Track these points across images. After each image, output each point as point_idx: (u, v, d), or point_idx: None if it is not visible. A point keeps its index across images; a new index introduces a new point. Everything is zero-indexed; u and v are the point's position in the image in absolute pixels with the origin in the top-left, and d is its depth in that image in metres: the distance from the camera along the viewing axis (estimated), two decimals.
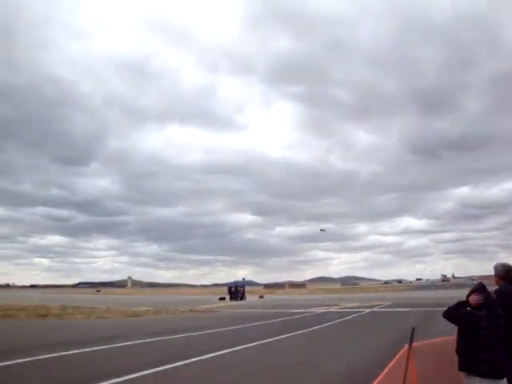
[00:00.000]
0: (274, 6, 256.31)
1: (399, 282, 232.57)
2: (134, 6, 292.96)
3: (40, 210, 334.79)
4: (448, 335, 4.95)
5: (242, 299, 60.33)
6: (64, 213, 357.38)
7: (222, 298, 60.10)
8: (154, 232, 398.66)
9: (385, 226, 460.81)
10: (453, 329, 4.28)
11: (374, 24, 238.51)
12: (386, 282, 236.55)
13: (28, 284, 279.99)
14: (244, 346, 12.41)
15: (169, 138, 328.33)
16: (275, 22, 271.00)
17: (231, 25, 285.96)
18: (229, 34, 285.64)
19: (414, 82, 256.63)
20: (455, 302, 4.24)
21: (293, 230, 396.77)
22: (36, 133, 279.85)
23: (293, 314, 27.55)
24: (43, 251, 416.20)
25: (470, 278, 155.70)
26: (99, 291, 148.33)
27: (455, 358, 4.13)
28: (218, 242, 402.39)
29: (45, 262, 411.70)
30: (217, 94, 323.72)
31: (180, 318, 25.67)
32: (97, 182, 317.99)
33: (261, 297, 71.14)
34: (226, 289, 71.10)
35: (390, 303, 37.46)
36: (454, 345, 4.19)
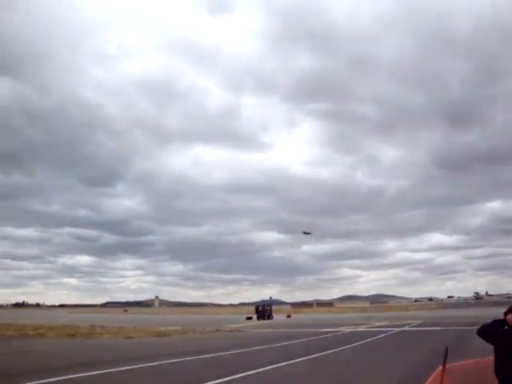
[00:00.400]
0: (296, 24, 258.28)
1: (430, 299, 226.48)
2: (158, 28, 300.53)
3: (68, 230, 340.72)
4: (484, 356, 4.72)
5: (269, 318, 59.65)
6: (92, 233, 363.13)
7: (249, 318, 59.51)
8: (180, 251, 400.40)
9: (413, 242, 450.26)
10: (489, 349, 4.08)
11: (397, 39, 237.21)
12: (416, 300, 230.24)
13: (57, 303, 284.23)
14: (271, 367, 12.21)
15: (194, 158, 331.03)
16: (297, 39, 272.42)
17: (254, 44, 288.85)
18: (252, 53, 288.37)
19: (440, 96, 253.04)
20: (490, 320, 4.05)
21: (320, 247, 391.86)
22: (64, 155, 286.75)
23: (320, 333, 27.06)
24: (71, 271, 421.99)
25: (507, 296, 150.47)
26: (126, 311, 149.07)
27: (492, 379, 3.92)
28: (244, 260, 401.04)
29: (73, 281, 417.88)
30: (241, 113, 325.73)
31: (207, 338, 25.53)
32: (123, 203, 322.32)
33: (288, 316, 70.19)
34: (253, 308, 70.51)
35: (420, 322, 36.45)
36: (491, 365, 3.98)
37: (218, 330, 31.74)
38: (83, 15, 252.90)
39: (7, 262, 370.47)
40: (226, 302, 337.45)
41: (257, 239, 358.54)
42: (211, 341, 23.59)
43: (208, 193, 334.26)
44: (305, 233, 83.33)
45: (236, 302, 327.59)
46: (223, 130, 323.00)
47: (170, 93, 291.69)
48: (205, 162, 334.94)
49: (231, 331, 31.96)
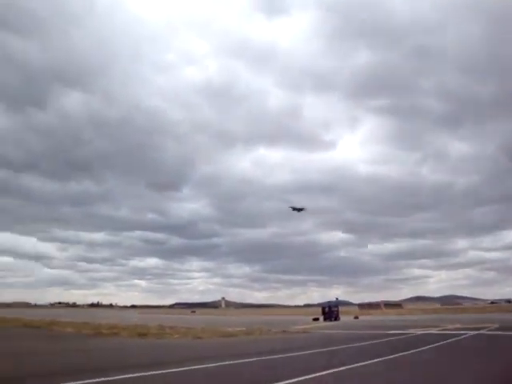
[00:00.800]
0: (354, 19, 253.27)
1: (508, 301, 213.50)
2: (215, 33, 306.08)
3: (137, 234, 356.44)
4: None
5: (336, 320, 58.84)
6: (159, 236, 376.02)
7: (316, 319, 59.05)
8: (246, 253, 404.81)
9: (486, 240, 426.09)
10: None
11: (461, 27, 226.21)
12: (493, 302, 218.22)
13: (128, 304, 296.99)
14: (344, 368, 11.98)
15: (257, 160, 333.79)
16: (356, 35, 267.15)
17: (312, 42, 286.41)
18: (310, 52, 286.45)
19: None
20: None
21: (386, 247, 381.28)
22: (131, 161, 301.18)
23: (390, 335, 26.24)
24: (141, 273, 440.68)
25: None
26: (194, 312, 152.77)
27: None
28: (309, 261, 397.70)
29: (143, 283, 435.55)
30: (302, 112, 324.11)
31: (274, 339, 25.52)
32: (189, 206, 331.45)
33: (356, 317, 68.98)
34: (319, 309, 69.94)
35: (498, 325, 34.37)
36: None
37: (284, 331, 31.67)
38: (144, 26, 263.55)
39: (83, 264, 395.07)
40: (292, 303, 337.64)
41: (322, 239, 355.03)
42: (278, 342, 23.57)
43: (272, 194, 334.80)
44: (295, 209, 73.03)
45: (302, 303, 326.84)
46: (285, 131, 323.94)
47: (231, 96, 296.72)
48: (268, 163, 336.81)
49: (298, 332, 31.78)
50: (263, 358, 14.83)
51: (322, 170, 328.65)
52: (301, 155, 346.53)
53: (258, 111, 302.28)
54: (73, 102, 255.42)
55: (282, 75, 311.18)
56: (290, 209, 74.72)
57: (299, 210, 74.38)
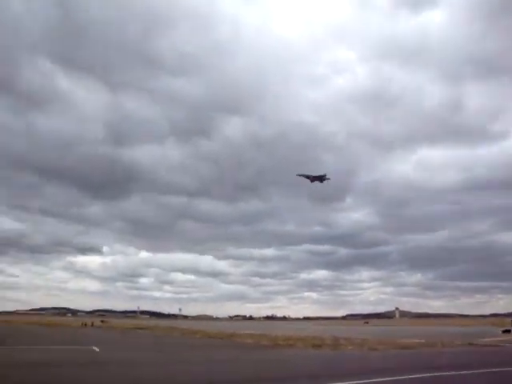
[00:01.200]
0: None
1: None
2: (360, 38, 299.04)
3: (304, 247, 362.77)
4: None
5: None
6: (326, 248, 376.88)
7: (507, 331, 52.43)
8: (417, 260, 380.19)
9: None
10: None
11: None
12: None
13: (301, 316, 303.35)
14: None
15: (419, 161, 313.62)
16: None
17: (467, 28, 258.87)
18: (467, 39, 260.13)
19: None
20: None
21: None
22: (291, 176, 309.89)
23: None
24: (311, 285, 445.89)
25: None
26: (367, 322, 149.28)
27: None
28: (490, 266, 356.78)
29: (313, 295, 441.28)
30: (464, 105, 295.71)
31: (461, 352, 23.26)
32: (353, 216, 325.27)
33: None
34: (509, 319, 62.27)
35: None
36: None
37: (470, 344, 28.71)
38: (289, 44, 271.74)
39: (256, 279, 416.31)
40: (474, 312, 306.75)
41: (502, 241, 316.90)
42: (469, 356, 21.44)
43: (439, 196, 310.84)
44: (314, 179, 51.19)
45: (487, 312, 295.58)
46: (446, 127, 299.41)
47: (385, 99, 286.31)
48: (431, 164, 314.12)
49: (487, 346, 28.46)
50: (463, 372, 13.63)
51: (494, 165, 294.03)
52: (467, 151, 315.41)
53: (415, 110, 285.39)
54: (233, 127, 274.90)
55: (438, 68, 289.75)
56: (304, 178, 58.35)
57: (321, 178, 57.81)
